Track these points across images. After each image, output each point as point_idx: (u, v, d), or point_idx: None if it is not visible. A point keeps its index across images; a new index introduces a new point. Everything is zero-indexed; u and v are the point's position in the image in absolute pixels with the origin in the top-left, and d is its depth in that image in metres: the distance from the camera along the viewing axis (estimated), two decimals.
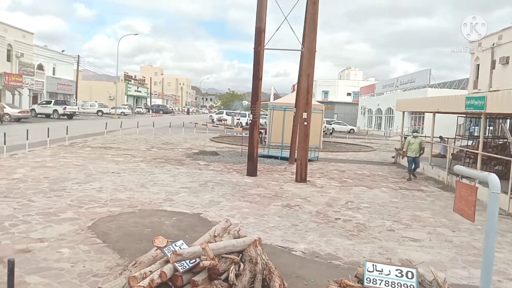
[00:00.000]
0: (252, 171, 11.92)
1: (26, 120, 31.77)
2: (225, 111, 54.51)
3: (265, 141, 22.52)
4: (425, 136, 19.07)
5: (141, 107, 79.65)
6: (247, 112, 59.64)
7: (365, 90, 66.94)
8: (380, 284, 3.79)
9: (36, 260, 5.05)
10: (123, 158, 14.22)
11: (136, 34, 78.51)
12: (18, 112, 31.23)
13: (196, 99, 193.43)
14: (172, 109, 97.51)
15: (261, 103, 31.28)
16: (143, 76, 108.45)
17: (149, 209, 7.76)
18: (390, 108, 51.67)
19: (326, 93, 78.10)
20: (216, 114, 53.85)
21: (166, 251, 4.45)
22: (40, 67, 48.40)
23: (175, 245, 4.56)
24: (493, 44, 29.28)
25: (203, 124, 37.35)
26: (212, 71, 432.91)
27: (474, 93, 31.62)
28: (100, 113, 52.19)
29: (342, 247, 6.26)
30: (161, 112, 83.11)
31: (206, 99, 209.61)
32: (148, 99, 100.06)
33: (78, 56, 53.77)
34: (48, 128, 16.72)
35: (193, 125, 33.74)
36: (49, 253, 5.28)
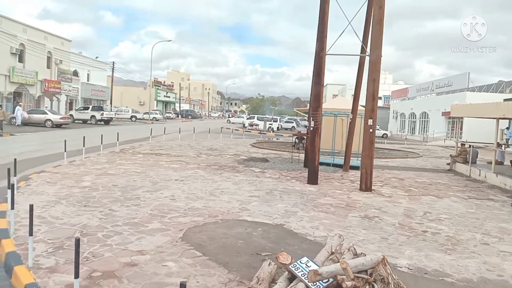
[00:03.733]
0: (313, 179, 11.69)
1: (66, 126, 32.50)
2: (256, 116, 54.45)
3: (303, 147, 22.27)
4: (465, 142, 18.41)
5: (171, 112, 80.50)
6: (278, 117, 59.69)
7: (397, 94, 65.83)
8: None
9: (147, 274, 4.95)
10: (178, 164, 14.23)
11: (169, 41, 79.51)
12: (60, 118, 31.96)
13: (221, 103, 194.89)
14: (200, 114, 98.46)
15: (300, 108, 30.76)
16: (171, 82, 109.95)
17: (230, 218, 7.64)
18: (425, 112, 50.60)
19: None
20: (247, 119, 53.92)
21: (293, 269, 4.30)
22: (76, 73, 49.61)
23: (300, 262, 4.40)
24: None
25: (235, 129, 37.44)
26: (235, 76, 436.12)
27: None
28: (133, 119, 53.06)
29: (445, 263, 5.96)
30: (189, 117, 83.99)
31: (231, 103, 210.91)
32: (176, 104, 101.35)
33: (113, 62, 55.01)
34: (102, 135, 16.94)
35: (225, 130, 33.74)
36: (156, 267, 5.18)
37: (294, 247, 6.25)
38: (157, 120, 57.98)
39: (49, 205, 7.83)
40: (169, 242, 6.13)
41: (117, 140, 17.93)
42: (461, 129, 39.48)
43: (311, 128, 11.78)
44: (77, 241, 4.02)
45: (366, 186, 11.14)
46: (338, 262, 4.56)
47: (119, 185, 10.14)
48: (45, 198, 8.42)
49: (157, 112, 63.70)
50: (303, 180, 12.27)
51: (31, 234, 5.13)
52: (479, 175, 14.41)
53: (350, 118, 14.81)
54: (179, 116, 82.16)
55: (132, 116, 53.38)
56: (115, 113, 47.99)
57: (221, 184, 11.04)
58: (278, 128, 49.29)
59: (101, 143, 16.23)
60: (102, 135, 16.88)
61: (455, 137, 40.50)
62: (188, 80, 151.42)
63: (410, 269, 5.68)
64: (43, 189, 9.23)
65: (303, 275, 4.18)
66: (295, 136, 23.09)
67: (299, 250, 6.14)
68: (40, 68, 38.87)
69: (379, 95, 73.48)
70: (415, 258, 6.10)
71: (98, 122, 39.63)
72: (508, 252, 6.62)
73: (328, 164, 15.81)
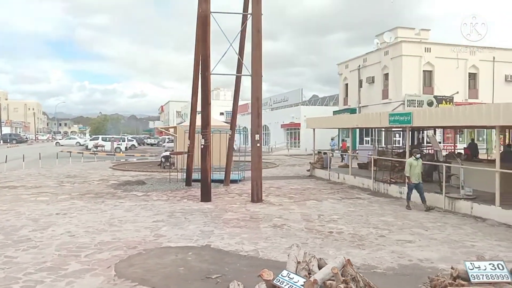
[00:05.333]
0: (206, 197, 11.79)
1: None
2: (100, 136, 50.89)
3: (172, 166, 22.02)
4: (321, 150, 21.06)
5: None
6: (126, 136, 56.88)
7: (238, 110, 69.66)
8: (483, 279, 4.46)
9: None
10: (45, 197, 12.57)
11: None
12: None
13: (47, 124, 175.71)
14: (27, 138, 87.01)
15: (163, 127, 30.00)
16: None
17: (152, 247, 7.23)
18: (266, 125, 54.95)
19: (198, 113, 78.87)
20: (90, 140, 50.01)
21: (278, 283, 4.45)
22: None
23: (282, 275, 4.56)
24: (359, 65, 33.80)
25: (78, 152, 34.47)
26: (60, 94, 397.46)
27: (345, 108, 35.97)
28: None
29: (366, 257, 6.80)
30: (14, 141, 73.53)
31: (60, 124, 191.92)
32: None
33: None
34: None
35: (65, 153, 30.67)
36: None
37: (237, 265, 6.33)
38: None
39: None
40: (106, 282, 5.55)
41: None
42: (299, 139, 44.19)
43: (202, 146, 11.87)
44: None
45: (257, 197, 11.73)
46: (309, 270, 4.90)
47: None
48: None
49: None
50: (194, 199, 12.23)
51: None
52: (338, 178, 16.53)
53: (229, 135, 15.34)
54: (1, 141, 71.24)
55: None
56: None
57: (113, 213, 10.24)
58: (126, 148, 47.07)
59: None
60: None
61: (295, 146, 45.18)
62: (6, 99, 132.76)
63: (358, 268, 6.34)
64: None
65: (290, 287, 4.36)
66: (162, 156, 22.66)
67: (243, 267, 6.25)
68: None
69: (221, 110, 76.59)
70: (340, 257, 6.81)
71: None
72: (402, 240, 7.90)
73: None
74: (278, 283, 4.43)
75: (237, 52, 13.17)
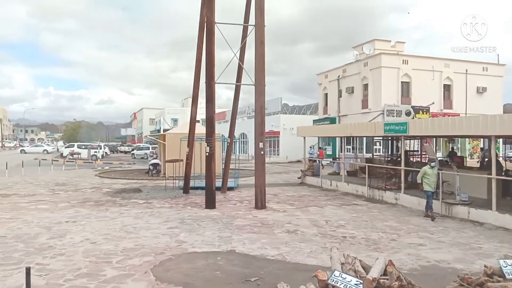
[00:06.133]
0: (211, 204, 11.94)
1: None
2: (76, 144, 49.80)
3: (158, 174, 21.98)
4: (311, 158, 21.55)
5: None
6: (102, 144, 55.80)
7: (216, 117, 69.59)
8: None
9: None
10: (45, 205, 12.40)
11: None
12: None
13: (13, 131, 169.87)
14: None
15: (153, 135, 29.68)
16: None
17: (179, 253, 7.36)
18: (244, 133, 55.29)
19: (175, 120, 78.38)
20: (65, 147, 48.79)
21: (333, 283, 4.73)
22: None
23: (334, 275, 4.85)
24: (339, 76, 34.72)
25: (54, 160, 33.78)
26: (23, 100, 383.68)
27: (325, 117, 36.80)
28: None
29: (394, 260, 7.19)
30: None
31: (27, 131, 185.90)
32: None
33: None
34: None
35: (37, 161, 29.90)
36: None
37: (269, 268, 6.57)
38: None
39: None
40: (151, 287, 5.67)
41: None
42: (278, 147, 44.72)
43: (206, 154, 12.04)
44: None
45: (261, 204, 11.99)
46: (355, 270, 5.21)
47: (7, 235, 8.43)
48: None
49: None
50: (197, 206, 12.36)
51: None
52: (330, 185, 17.00)
53: (228, 142, 15.54)
54: None
55: None
56: None
57: (123, 220, 10.25)
58: (103, 155, 46.22)
59: None
60: None
61: (274, 154, 45.66)
62: None
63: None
64: None
65: (345, 286, 4.65)
66: (150, 163, 22.57)
67: (276, 270, 6.50)
68: None
69: (198, 118, 76.67)
70: (365, 260, 7.16)
71: None
72: (413, 243, 8.33)
73: (203, 188, 16.05)
74: (333, 283, 4.72)
75: (239, 60, 13.44)
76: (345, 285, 4.67)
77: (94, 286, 5.63)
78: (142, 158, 48.26)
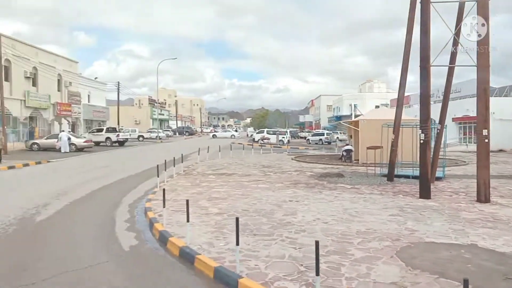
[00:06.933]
0: (426, 193, 11.43)
1: (89, 149, 31.58)
2: (265, 130, 54.24)
3: (351, 160, 22.11)
4: None
5: (168, 130, 79.29)
6: (286, 130, 59.59)
7: (395, 102, 66.49)
8: None
9: None
10: (264, 184, 13.81)
11: (175, 58, 78.68)
12: (84, 142, 31.07)
13: (208, 118, 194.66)
14: (196, 130, 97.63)
15: (342, 122, 30.34)
16: (164, 100, 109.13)
17: (415, 241, 7.24)
18: (433, 119, 51.26)
19: (354, 106, 77.75)
20: (257, 133, 53.66)
21: None
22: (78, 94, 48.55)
23: None
24: None
25: (248, 144, 37.21)
26: (213, 91, 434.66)
27: None
28: (141, 138, 52.11)
29: None
30: (186, 133, 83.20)
31: (219, 118, 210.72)
32: (170, 122, 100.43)
33: (118, 83, 53.83)
34: (175, 158, 16.33)
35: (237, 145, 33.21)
36: None
37: None
38: (160, 138, 57.06)
39: (224, 239, 7.37)
40: (405, 272, 5.72)
41: (174, 166, 17.21)
42: (472, 134, 40.12)
43: (421, 141, 11.56)
44: None
45: (485, 197, 10.93)
46: None
47: (248, 209, 9.69)
48: (207, 232, 7.92)
49: (160, 130, 62.77)
50: (408, 195, 12.00)
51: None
52: None
53: (438, 129, 14.69)
54: (176, 133, 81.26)
55: (139, 136, 52.44)
56: (130, 134, 46.92)
57: (342, 203, 10.64)
58: (288, 141, 49.08)
59: (174, 166, 15.67)
60: (175, 158, 16.29)
61: (469, 142, 41.22)
62: (175, 96, 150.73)
63: None
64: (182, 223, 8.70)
65: None
66: (343, 149, 22.93)
67: None
68: (52, 91, 37.86)
69: (376, 103, 73.78)
70: None
71: (113, 144, 38.71)
72: None
73: (407, 176, 15.59)
74: None
75: (459, 41, 12.38)
76: None
77: (349, 264, 5.99)
78: (316, 143, 49.88)
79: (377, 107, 75.56)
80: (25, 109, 33.30)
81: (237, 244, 5.60)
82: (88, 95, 54.12)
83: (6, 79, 29.34)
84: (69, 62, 42.38)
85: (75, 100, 42.57)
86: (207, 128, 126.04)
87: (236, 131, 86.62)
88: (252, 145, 37.07)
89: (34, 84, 35.02)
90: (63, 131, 32.02)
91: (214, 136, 68.16)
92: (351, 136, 24.66)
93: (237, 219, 5.71)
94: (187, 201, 7.26)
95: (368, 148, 16.11)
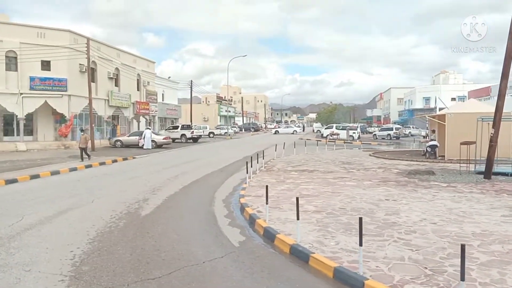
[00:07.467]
0: None
1: (167, 146, 32.98)
2: (334, 125, 53.38)
3: (435, 156, 21.00)
4: None
5: (235, 126, 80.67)
6: (357, 125, 58.28)
7: (475, 94, 62.21)
8: None
9: None
10: (351, 182, 13.51)
11: (245, 56, 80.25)
12: (163, 139, 32.51)
13: (271, 114, 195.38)
14: (260, 126, 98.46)
15: (426, 115, 29.04)
16: (230, 97, 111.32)
17: None
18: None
19: (427, 99, 74.13)
20: (325, 129, 53.02)
21: None
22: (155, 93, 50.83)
23: None
24: None
25: (317, 140, 36.69)
26: (274, 87, 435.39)
27: None
28: (211, 135, 53.58)
29: None
30: (252, 130, 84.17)
31: (282, 114, 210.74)
32: (236, 118, 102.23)
33: (191, 81, 55.65)
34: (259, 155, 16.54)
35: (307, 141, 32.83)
36: None
37: None
38: (229, 135, 58.10)
39: (333, 239, 7.27)
40: None
41: (251, 164, 17.44)
42: None
43: None
44: None
45: None
46: None
47: (345, 207, 9.52)
48: (312, 230, 7.88)
49: (228, 127, 63.98)
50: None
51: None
52: None
53: None
54: (242, 129, 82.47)
55: (210, 133, 53.91)
56: (203, 131, 48.40)
57: (444, 202, 10.10)
58: (358, 136, 47.85)
59: (257, 162, 15.85)
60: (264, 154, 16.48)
61: None
62: (240, 93, 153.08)
63: None
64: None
65: None
66: (428, 145, 21.90)
67: None
68: (132, 90, 39.99)
69: (452, 96, 69.49)
70: None
71: (188, 141, 40.12)
72: None
73: (505, 174, 14.51)
74: None
75: None
76: None
77: (477, 268, 5.64)
78: (383, 138, 48.33)
79: (453, 99, 71.45)
80: (108, 108, 35.48)
81: (360, 244, 5.47)
82: (162, 94, 56.64)
83: (93, 80, 31.35)
84: (146, 62, 44.49)
85: (152, 99, 44.63)
86: (271, 124, 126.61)
87: (299, 127, 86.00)
88: (320, 140, 36.50)
89: (116, 84, 37.19)
90: (148, 128, 33.69)
91: (276, 132, 68.32)
92: (433, 131, 23.43)
93: (360, 219, 5.58)
94: (297, 198, 7.23)
95: (461, 143, 15.15)
